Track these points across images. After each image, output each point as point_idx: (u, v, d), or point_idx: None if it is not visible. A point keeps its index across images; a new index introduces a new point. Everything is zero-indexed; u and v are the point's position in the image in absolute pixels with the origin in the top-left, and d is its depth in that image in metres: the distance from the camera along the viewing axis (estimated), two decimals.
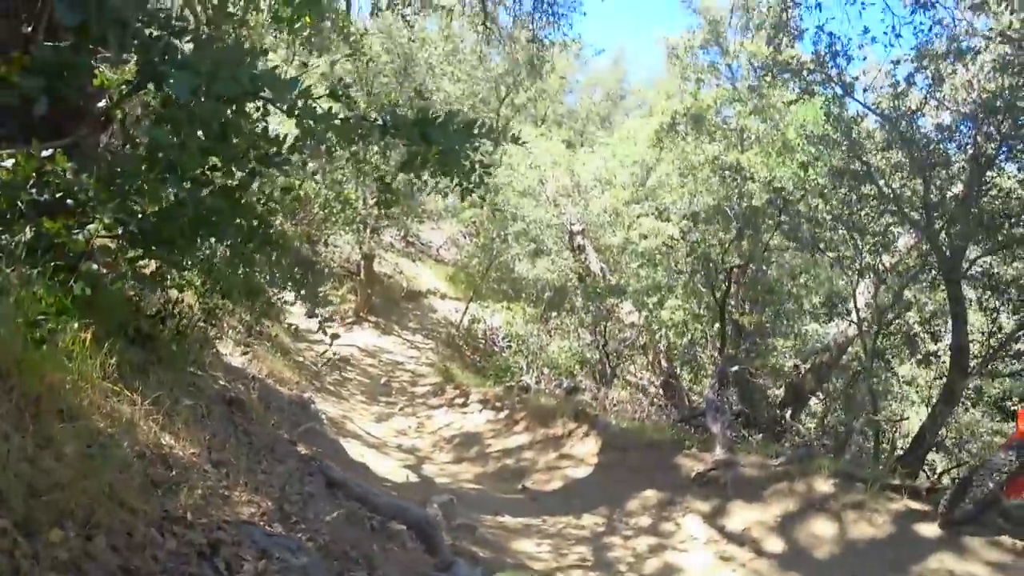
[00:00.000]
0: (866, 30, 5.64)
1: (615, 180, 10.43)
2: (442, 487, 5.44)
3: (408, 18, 7.72)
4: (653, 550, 4.20)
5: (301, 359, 9.12)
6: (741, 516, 4.38)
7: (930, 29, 5.43)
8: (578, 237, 10.06)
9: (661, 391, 7.96)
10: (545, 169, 10.95)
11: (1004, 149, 5.23)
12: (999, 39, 5.07)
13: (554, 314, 10.83)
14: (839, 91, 6.02)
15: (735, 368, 6.41)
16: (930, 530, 3.91)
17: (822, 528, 4.08)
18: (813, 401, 8.17)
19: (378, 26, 9.98)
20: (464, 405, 8.62)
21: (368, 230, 11.46)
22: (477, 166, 2.65)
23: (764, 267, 7.31)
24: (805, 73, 6.04)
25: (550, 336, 10.52)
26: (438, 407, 8.90)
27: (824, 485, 4.40)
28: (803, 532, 4.09)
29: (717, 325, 6.63)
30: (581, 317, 9.66)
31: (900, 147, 5.74)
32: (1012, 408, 5.95)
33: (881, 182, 5.81)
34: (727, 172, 7.30)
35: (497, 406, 8.07)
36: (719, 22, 10.89)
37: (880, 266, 6.24)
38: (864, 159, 5.86)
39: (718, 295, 5.96)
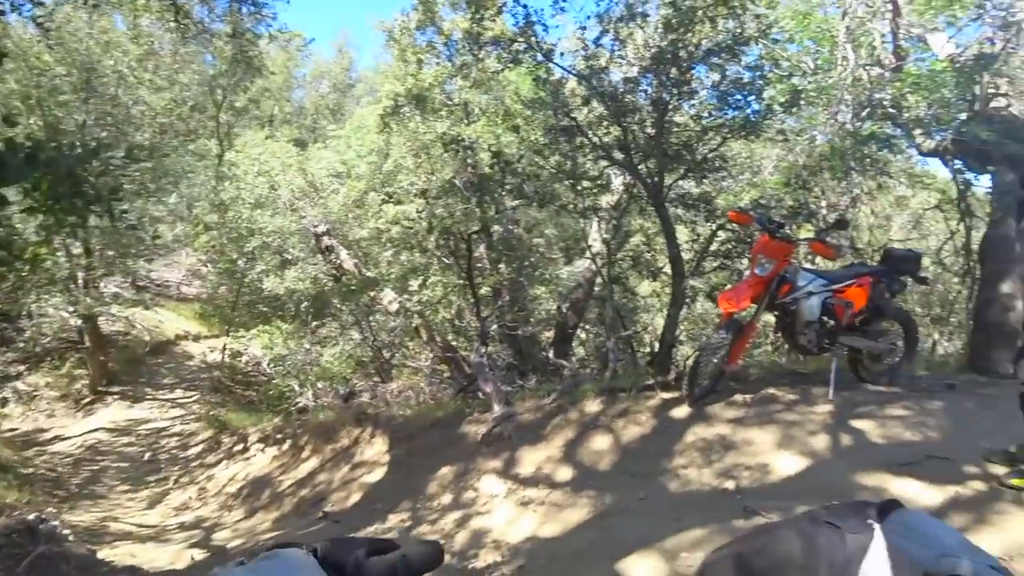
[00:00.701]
0: (555, 1, 6.15)
1: (353, 172, 10.08)
2: (235, 552, 4.79)
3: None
4: (460, 523, 4.16)
5: (31, 470, 7.35)
6: (530, 459, 4.52)
7: None
8: (325, 238, 9.51)
9: (443, 366, 8.02)
10: (276, 174, 10.15)
11: (675, 93, 5.99)
12: (668, 2, 5.83)
13: (316, 324, 10.26)
14: (540, 58, 6.40)
15: (494, 326, 6.66)
16: (682, 411, 4.51)
17: (600, 443, 4.41)
18: (580, 333, 9.00)
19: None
20: (245, 450, 7.76)
21: (82, 285, 9.48)
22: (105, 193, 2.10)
23: (508, 227, 7.74)
24: (508, 44, 6.35)
25: (321, 347, 9.94)
26: (217, 463, 7.89)
27: (593, 405, 4.80)
28: (585, 453, 4.37)
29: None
30: (344, 319, 9.27)
31: (598, 101, 6.33)
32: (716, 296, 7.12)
33: (590, 133, 6.37)
34: (455, 145, 7.43)
35: (279, 439, 7.39)
36: (432, 2, 10.99)
37: (603, 205, 6.99)
38: (572, 115, 6.37)
39: (463, 263, 6.09)
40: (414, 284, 7.81)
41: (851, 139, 7.00)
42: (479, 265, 7.49)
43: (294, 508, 5.96)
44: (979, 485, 3.08)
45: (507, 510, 4.04)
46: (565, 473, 4.23)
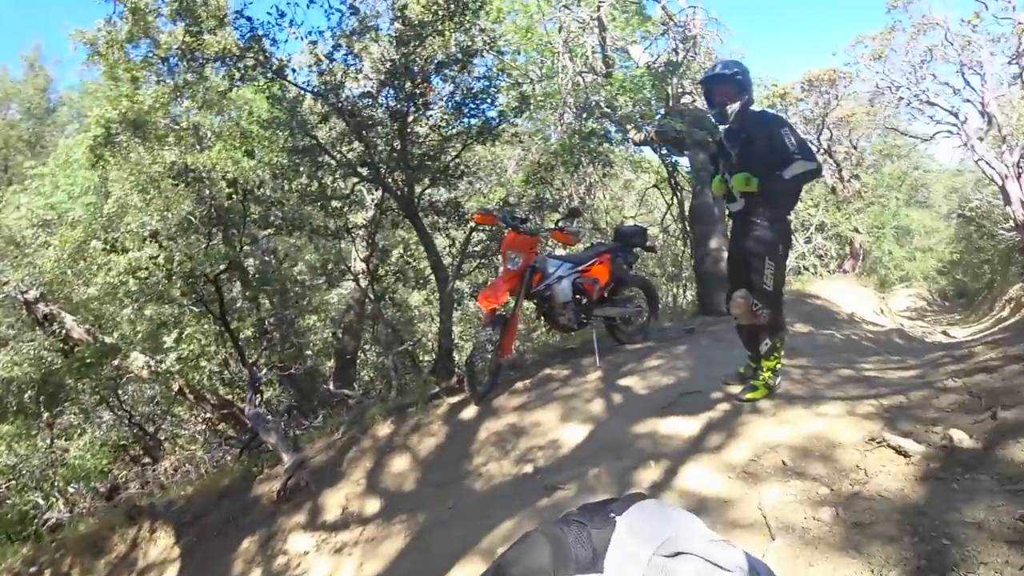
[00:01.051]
0: (282, 14, 5.70)
1: (65, 219, 8.32)
2: None
3: None
4: None
5: None
6: (334, 502, 4.22)
7: (339, 11, 5.89)
8: (39, 306, 7.76)
9: (223, 425, 7.12)
10: None
11: (413, 105, 6.05)
12: (398, 17, 5.84)
13: (50, 415, 8.33)
14: (272, 75, 5.98)
15: (264, 371, 6.12)
16: (471, 411, 4.62)
17: (399, 464, 4.28)
18: (361, 355, 8.70)
19: None
20: None
21: None
22: None
23: (263, 259, 7.15)
24: (235, 59, 5.79)
25: (63, 441, 8.12)
26: None
27: (384, 428, 4.65)
28: (387, 478, 4.21)
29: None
30: (86, 400, 7.68)
31: (338, 117, 6.14)
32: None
33: (333, 151, 6.14)
34: (188, 176, 6.61)
35: (34, 572, 5.78)
36: (144, 11, 9.43)
37: (360, 222, 6.81)
38: (312, 134, 6.07)
39: (215, 308, 5.43)
40: (167, 341, 6.79)
41: (577, 136, 7.92)
42: (236, 306, 6.78)
43: None
44: (725, 406, 3.67)
45: (323, 563, 3.69)
46: (372, 505, 4.02)
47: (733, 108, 3.49)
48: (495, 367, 4.65)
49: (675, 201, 9.65)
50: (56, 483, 7.44)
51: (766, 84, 10.39)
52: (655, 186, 11.01)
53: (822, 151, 15.04)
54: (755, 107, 3.65)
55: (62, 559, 5.57)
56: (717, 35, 8.68)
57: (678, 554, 0.70)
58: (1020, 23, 11.73)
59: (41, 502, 7.25)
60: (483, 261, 7.10)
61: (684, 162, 8.91)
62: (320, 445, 4.68)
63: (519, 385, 4.87)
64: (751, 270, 3.53)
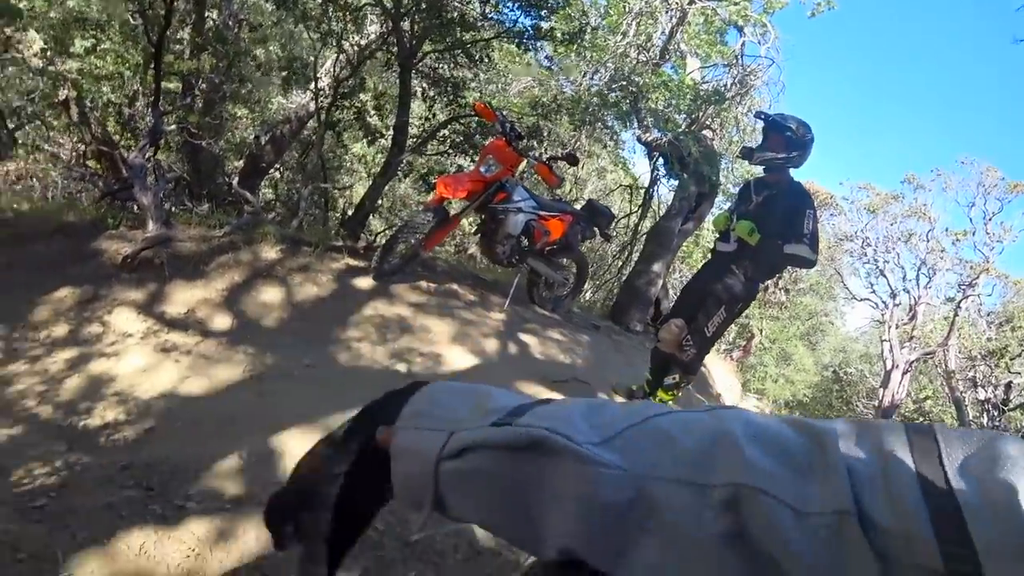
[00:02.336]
0: None
1: None
2: None
3: None
4: (74, 364, 3.13)
5: None
6: (182, 298, 3.71)
7: None
8: None
9: (92, 162, 6.12)
10: None
11: None
12: None
13: None
14: None
15: (173, 127, 5.30)
16: (366, 283, 4.27)
17: (270, 295, 3.86)
18: (274, 173, 7.93)
19: None
20: None
21: None
22: None
23: (228, 17, 6.18)
24: None
25: None
26: None
27: (271, 252, 4.18)
28: (251, 303, 3.78)
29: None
30: None
31: None
32: (433, 181, 7.01)
33: None
34: None
35: None
36: None
37: (346, 42, 6.06)
38: None
39: (154, 32, 4.51)
40: (78, 44, 5.72)
41: (598, 99, 7.57)
42: (176, 48, 5.80)
43: None
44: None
45: (142, 355, 3.19)
46: (223, 321, 3.58)
47: (761, 157, 3.37)
48: (412, 254, 4.32)
49: (640, 212, 9.61)
50: None
51: None
52: (628, 188, 10.95)
53: None
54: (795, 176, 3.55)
55: None
56: (770, 97, 8.63)
57: None
58: (984, 264, 12.79)
59: None
60: (447, 152, 6.61)
61: (668, 184, 8.88)
62: (194, 233, 4.08)
63: (423, 284, 4.59)
64: (703, 309, 3.48)
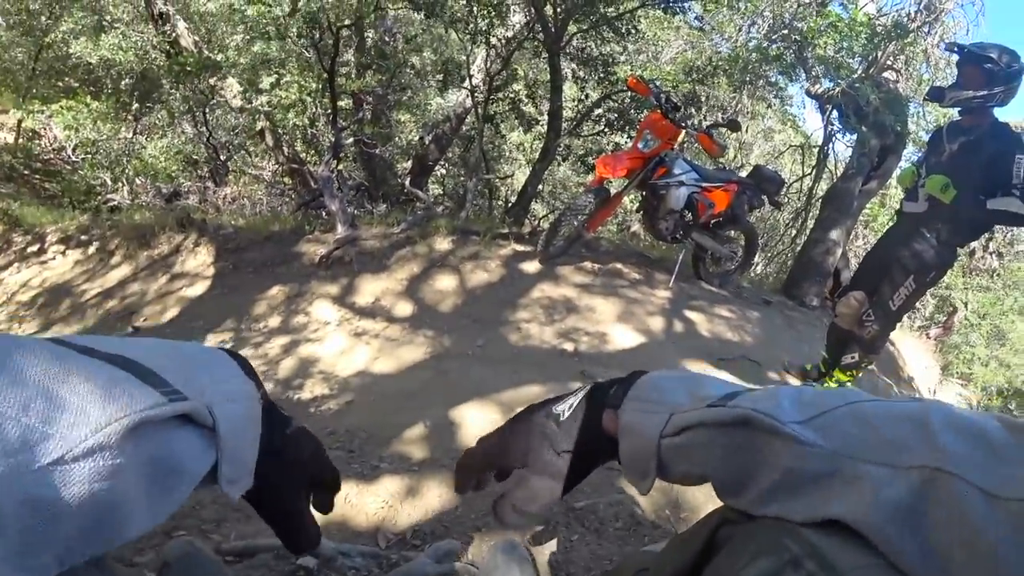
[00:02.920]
0: None
1: None
2: None
3: None
4: (287, 348, 3.69)
5: None
6: (369, 289, 4.15)
7: None
8: (159, 2, 7.57)
9: (287, 179, 7.07)
10: None
11: None
12: None
13: (140, 109, 8.39)
14: None
15: (350, 140, 5.89)
16: (532, 266, 4.39)
17: (445, 283, 4.15)
18: (439, 170, 8.46)
19: None
20: (42, 252, 6.34)
21: None
22: None
23: (384, 34, 6.71)
24: None
25: (143, 138, 8.28)
26: (7, 266, 6.41)
27: (444, 243, 4.48)
28: (428, 291, 4.10)
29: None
30: (175, 106, 7.67)
31: None
32: (592, 162, 6.94)
33: None
34: None
35: (84, 241, 6.13)
36: None
37: (494, 36, 6.25)
38: None
39: (326, 61, 5.07)
40: (266, 81, 6.59)
41: (757, 54, 6.98)
42: (344, 70, 6.44)
43: (99, 321, 5.01)
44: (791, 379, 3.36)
45: (339, 340, 3.66)
46: (405, 308, 3.93)
47: (956, 96, 2.78)
48: (576, 236, 4.36)
49: (815, 174, 8.71)
50: (127, 171, 7.66)
51: None
52: (799, 148, 9.97)
53: None
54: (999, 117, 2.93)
55: (111, 238, 5.83)
56: (967, 22, 7.33)
57: None
58: None
59: (109, 182, 7.54)
60: (604, 131, 6.54)
61: (845, 139, 7.91)
62: (376, 232, 4.54)
63: (588, 265, 4.61)
64: (888, 280, 3.03)
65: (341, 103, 6.74)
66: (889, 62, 7.04)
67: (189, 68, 6.56)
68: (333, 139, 5.04)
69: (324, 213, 4.96)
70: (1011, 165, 2.63)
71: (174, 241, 5.42)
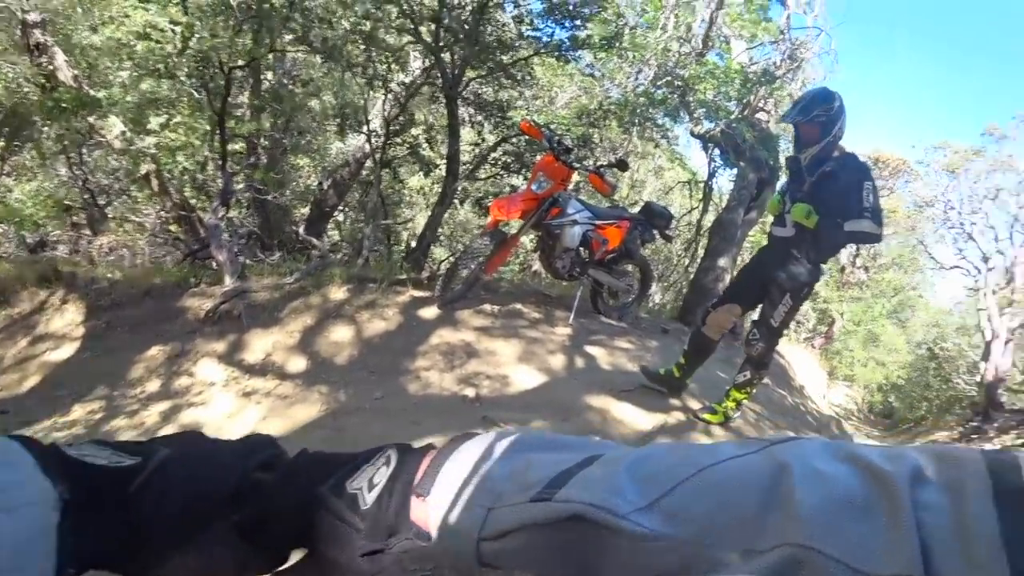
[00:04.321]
0: None
1: None
2: None
3: None
4: (167, 415, 3.39)
5: None
6: (259, 345, 3.93)
7: None
8: (36, 32, 6.99)
9: (174, 226, 6.64)
10: None
11: None
12: None
13: (6, 146, 7.65)
14: None
15: (242, 186, 5.67)
16: (431, 312, 4.34)
17: (340, 334, 4.01)
18: (338, 216, 8.29)
19: None
20: None
21: None
22: None
23: (282, 77, 6.58)
24: None
25: (10, 179, 7.56)
26: None
27: (339, 292, 4.35)
28: (323, 343, 3.94)
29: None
30: (47, 146, 7.06)
31: None
32: (487, 204, 7.06)
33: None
34: None
35: None
36: None
37: (392, 82, 6.30)
38: None
39: (217, 103, 4.88)
40: (154, 122, 6.22)
41: (644, 99, 7.45)
42: (237, 113, 6.23)
43: None
44: (680, 416, 3.49)
45: (227, 401, 3.43)
46: (298, 363, 3.76)
47: (807, 154, 3.18)
48: (473, 279, 4.38)
49: (701, 207, 9.32)
50: None
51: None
52: (687, 184, 10.65)
53: None
54: (847, 147, 3.32)
55: None
56: (824, 69, 8.22)
57: None
58: None
59: None
60: (501, 173, 6.70)
61: (726, 174, 8.58)
62: (268, 283, 4.33)
63: (487, 308, 4.62)
64: (769, 300, 3.30)
65: (235, 146, 6.49)
66: (761, 104, 7.73)
67: (65, 104, 6.08)
68: (223, 185, 4.81)
69: (213, 264, 4.68)
70: (861, 192, 3.00)
71: (37, 297, 4.91)
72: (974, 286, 13.48)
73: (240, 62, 5.38)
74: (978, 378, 11.21)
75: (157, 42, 5.20)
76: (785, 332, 3.49)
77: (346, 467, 0.60)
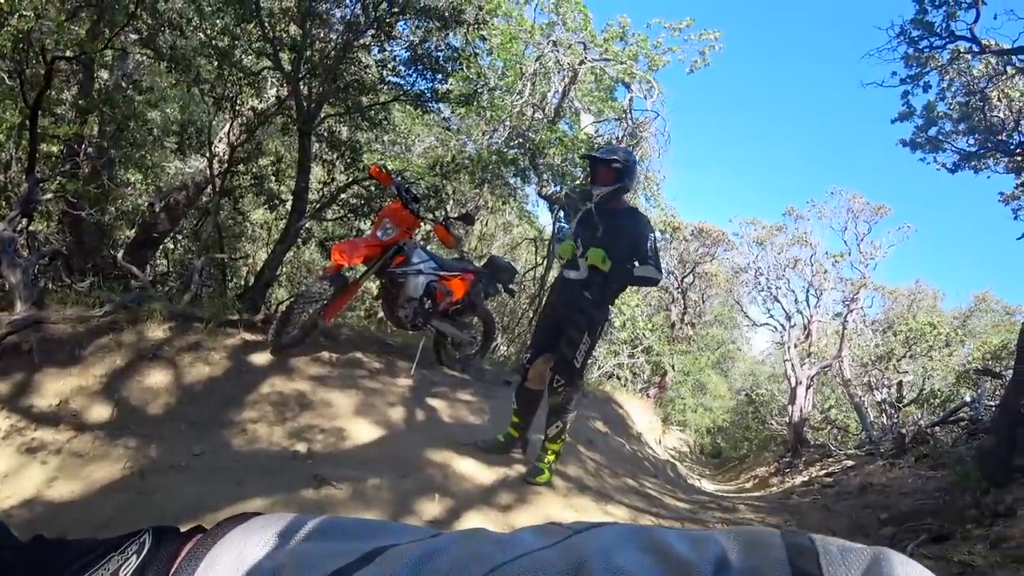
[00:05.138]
0: None
1: None
2: None
3: None
4: None
5: None
6: (53, 388, 3.40)
7: None
8: None
9: None
10: None
11: (372, 28, 5.52)
12: None
13: None
14: None
15: (49, 196, 4.95)
16: (263, 358, 4.11)
17: (156, 379, 3.62)
18: (168, 243, 7.52)
19: None
20: None
21: None
22: None
23: (121, 77, 5.91)
24: None
25: None
26: None
27: (158, 330, 3.92)
28: (134, 389, 3.52)
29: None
30: None
31: None
32: (331, 246, 6.92)
33: (267, 22, 5.36)
34: None
35: None
36: None
37: (245, 106, 5.99)
38: None
39: (32, 94, 4.21)
40: None
41: (497, 156, 7.86)
42: (58, 111, 5.46)
43: None
44: (522, 470, 3.62)
45: (2, 458, 2.85)
46: (101, 412, 3.31)
47: (600, 191, 3.58)
48: (311, 325, 4.21)
49: (545, 263, 9.94)
50: None
51: (667, 211, 11.41)
52: (533, 240, 11.30)
53: (680, 290, 16.91)
54: (631, 202, 3.87)
55: None
56: (659, 146, 9.33)
57: None
58: (862, 280, 14.33)
59: None
60: (348, 216, 6.57)
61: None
62: (70, 313, 3.78)
63: (325, 355, 4.48)
64: (567, 341, 3.53)
65: (51, 148, 5.66)
66: None
67: None
68: (26, 191, 4.14)
69: (2, 285, 3.98)
70: (646, 242, 3.46)
71: None
72: (780, 340, 15.76)
73: (68, 52, 4.75)
74: (787, 419, 12.99)
75: None
76: (584, 371, 3.80)
77: (89, 556, 0.52)
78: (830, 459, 9.43)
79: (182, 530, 0.57)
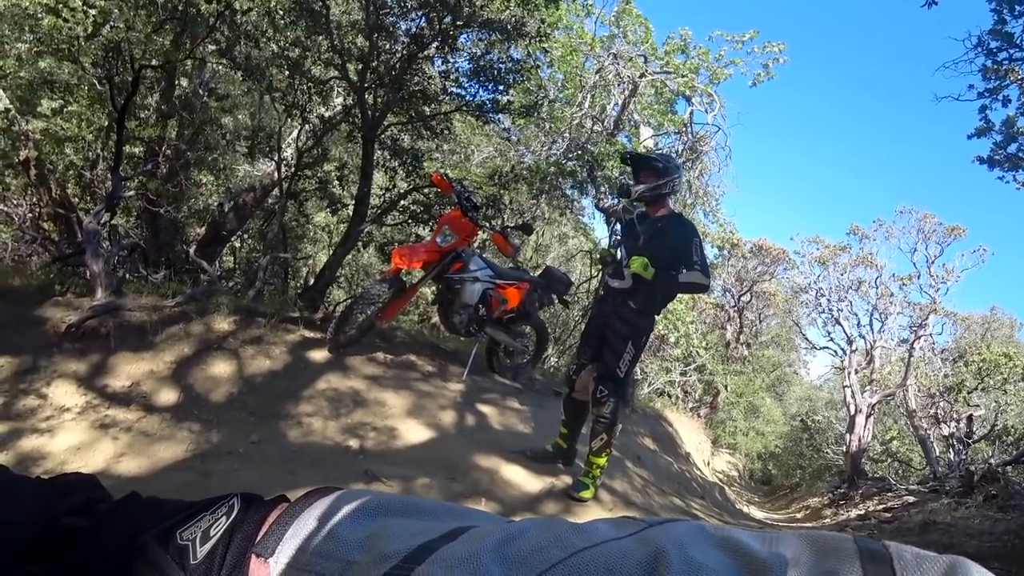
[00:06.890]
0: None
1: None
2: None
3: None
4: (2, 441, 2.96)
5: None
6: (127, 370, 3.60)
7: None
8: None
9: (48, 224, 5.93)
10: None
11: (436, 40, 5.66)
12: None
13: None
14: None
15: (132, 193, 5.26)
16: (321, 355, 4.21)
17: (220, 368, 3.77)
18: (235, 242, 7.86)
19: None
20: None
21: None
22: None
23: (198, 86, 6.28)
24: None
25: None
26: None
27: (224, 323, 4.10)
28: (199, 376, 3.68)
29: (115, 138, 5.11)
30: None
31: (361, 4, 5.59)
32: (391, 250, 7.07)
33: (336, 33, 5.59)
34: None
35: None
36: None
37: (312, 113, 6.23)
38: (325, 2, 5.48)
39: (120, 99, 4.53)
40: (46, 105, 5.65)
41: (555, 168, 7.87)
42: (142, 115, 5.83)
43: None
44: (567, 479, 3.56)
45: (77, 432, 3.04)
46: (168, 396, 3.48)
47: (638, 189, 3.52)
48: (368, 326, 4.30)
49: (600, 276, 9.82)
50: None
51: (726, 227, 11.11)
52: (589, 253, 11.20)
53: (736, 308, 16.37)
54: (677, 209, 3.75)
55: None
56: (719, 161, 9.13)
57: None
58: (931, 305, 13.46)
59: None
60: (408, 222, 6.71)
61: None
62: (145, 302, 4.00)
63: (380, 356, 4.56)
64: (611, 350, 3.46)
65: (134, 150, 6.05)
66: None
67: None
68: (111, 187, 4.43)
69: (86, 273, 4.25)
70: (691, 248, 3.35)
71: None
72: (840, 365, 14.97)
73: (154, 62, 5.09)
74: (844, 448, 12.36)
75: (66, 20, 4.79)
76: (629, 380, 3.69)
77: (181, 515, 0.53)
78: (889, 493, 8.90)
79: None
